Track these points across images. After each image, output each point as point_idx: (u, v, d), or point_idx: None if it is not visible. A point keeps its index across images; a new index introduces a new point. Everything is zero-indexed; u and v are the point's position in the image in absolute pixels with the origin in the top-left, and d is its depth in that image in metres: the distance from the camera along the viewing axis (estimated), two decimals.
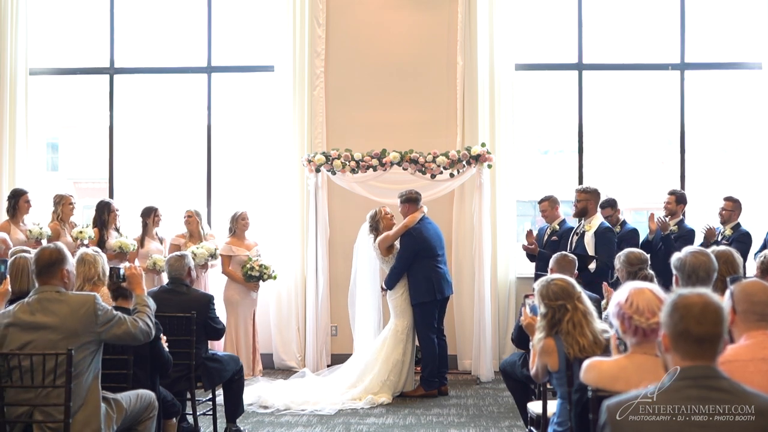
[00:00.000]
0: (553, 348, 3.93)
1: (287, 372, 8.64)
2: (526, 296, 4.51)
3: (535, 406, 4.99)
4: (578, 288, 4.04)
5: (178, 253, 6.27)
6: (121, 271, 4.75)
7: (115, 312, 4.28)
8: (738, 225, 8.01)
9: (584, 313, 3.93)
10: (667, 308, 2.39)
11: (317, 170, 8.42)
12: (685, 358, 2.36)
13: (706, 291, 2.37)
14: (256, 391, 7.44)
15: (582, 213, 7.70)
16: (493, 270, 8.70)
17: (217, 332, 6.17)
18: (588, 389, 3.06)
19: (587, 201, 7.69)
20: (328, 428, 6.53)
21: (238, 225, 8.57)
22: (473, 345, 8.51)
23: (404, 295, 7.67)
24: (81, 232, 8.08)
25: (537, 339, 4.03)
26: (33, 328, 4.08)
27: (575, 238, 7.70)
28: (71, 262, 4.36)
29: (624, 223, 8.15)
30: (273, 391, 7.49)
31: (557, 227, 8.07)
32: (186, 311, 5.76)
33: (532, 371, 4.16)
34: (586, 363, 3.19)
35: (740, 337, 3.15)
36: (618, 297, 3.15)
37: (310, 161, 8.46)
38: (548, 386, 4.55)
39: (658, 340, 3.08)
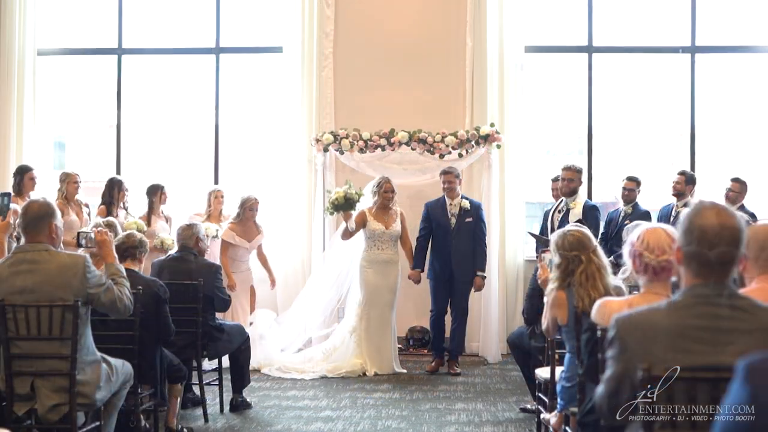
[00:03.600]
0: (564, 301, 3.92)
1: None
2: (543, 251, 4.49)
3: (543, 372, 4.94)
4: (594, 242, 4.02)
5: (187, 222, 6.26)
6: (91, 235, 4.37)
7: (105, 278, 4.10)
8: (743, 206, 7.97)
9: (598, 267, 3.93)
10: (683, 224, 2.33)
11: (325, 150, 8.38)
12: (698, 276, 2.33)
13: (725, 207, 2.32)
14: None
15: (573, 192, 7.40)
16: (501, 253, 8.65)
17: (224, 302, 6.12)
18: (598, 328, 3.02)
19: (579, 180, 7.48)
20: (335, 401, 6.51)
21: (245, 213, 8.27)
22: (480, 327, 8.46)
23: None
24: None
25: (549, 290, 4.01)
26: (19, 292, 3.94)
27: (558, 215, 7.41)
28: (60, 218, 4.15)
29: (636, 205, 8.07)
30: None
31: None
32: (193, 279, 5.74)
33: (543, 326, 4.15)
34: (598, 302, 3.18)
35: (751, 281, 3.12)
36: (632, 237, 3.14)
37: (318, 140, 8.42)
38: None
39: (672, 279, 3.06)
